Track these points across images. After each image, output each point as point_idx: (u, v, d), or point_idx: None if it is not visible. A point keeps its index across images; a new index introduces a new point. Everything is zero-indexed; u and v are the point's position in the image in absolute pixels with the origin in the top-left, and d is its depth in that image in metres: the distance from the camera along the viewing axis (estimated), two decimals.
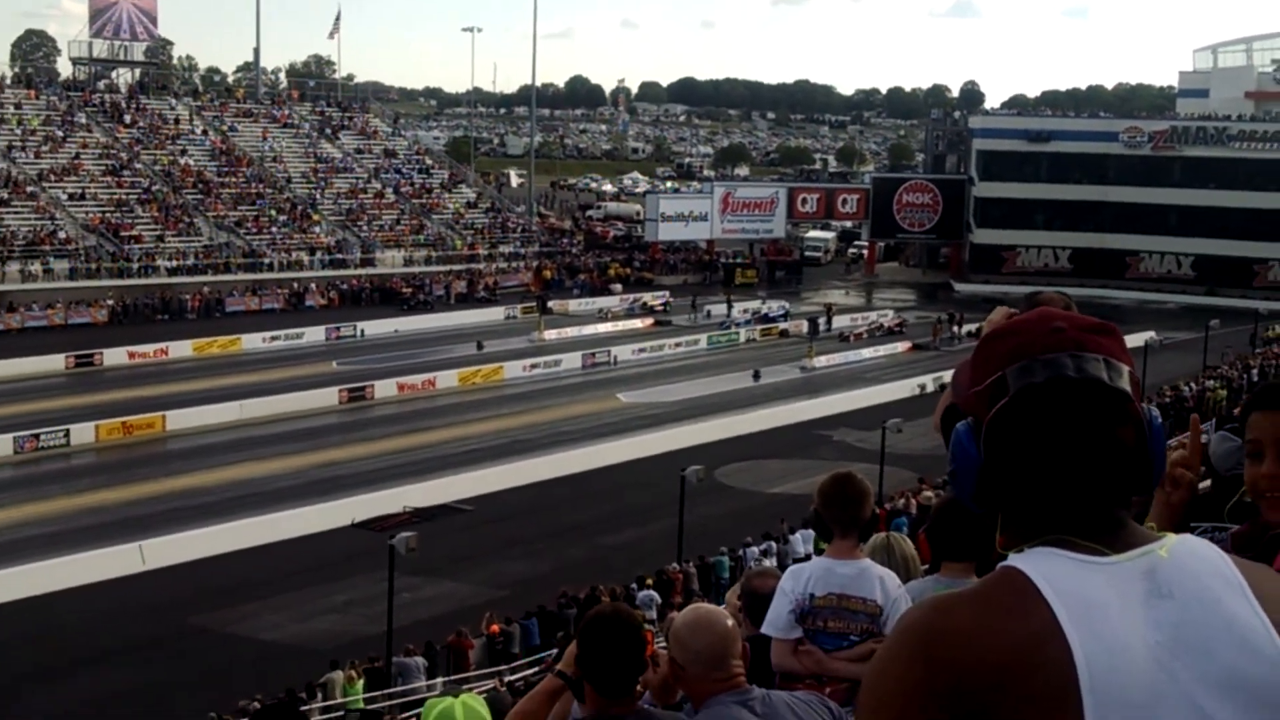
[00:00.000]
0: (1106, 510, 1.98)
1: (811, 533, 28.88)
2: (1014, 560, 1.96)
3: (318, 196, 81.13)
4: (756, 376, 57.48)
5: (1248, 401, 3.21)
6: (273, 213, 77.04)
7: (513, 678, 24.35)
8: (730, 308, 73.84)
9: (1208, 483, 6.37)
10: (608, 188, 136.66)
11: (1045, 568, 1.90)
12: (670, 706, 4.24)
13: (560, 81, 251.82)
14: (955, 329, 69.52)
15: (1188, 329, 67.46)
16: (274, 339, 61.46)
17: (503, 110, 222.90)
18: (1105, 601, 1.86)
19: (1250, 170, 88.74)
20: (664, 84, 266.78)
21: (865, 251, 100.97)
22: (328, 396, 50.21)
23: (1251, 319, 68.74)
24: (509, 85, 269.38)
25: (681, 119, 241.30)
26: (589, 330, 68.30)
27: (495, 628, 27.08)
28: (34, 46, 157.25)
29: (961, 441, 2.05)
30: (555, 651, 24.22)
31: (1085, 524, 1.96)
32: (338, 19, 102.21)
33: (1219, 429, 6.33)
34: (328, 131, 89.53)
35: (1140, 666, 1.81)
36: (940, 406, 2.96)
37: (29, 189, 70.69)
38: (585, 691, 3.96)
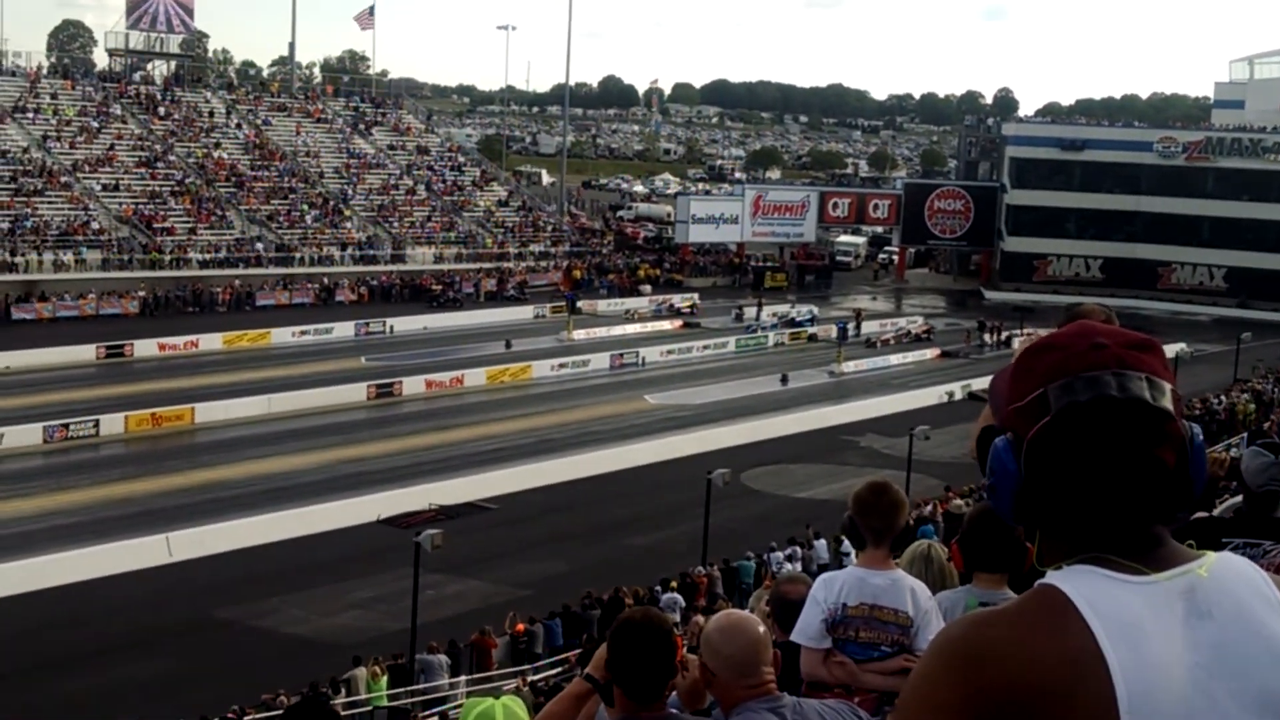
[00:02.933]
0: (1146, 529, 1.97)
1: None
2: (1052, 578, 1.94)
3: (350, 192, 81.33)
4: (784, 380, 57.40)
5: None
6: (305, 207, 77.28)
7: (536, 678, 24.36)
8: (760, 311, 73.72)
9: (1239, 498, 6.32)
10: (639, 188, 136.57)
11: (1084, 587, 1.89)
12: (699, 712, 4.24)
13: (594, 81, 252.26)
14: (985, 337, 69.29)
15: (1219, 341, 67.08)
16: (303, 334, 61.56)
17: (535, 109, 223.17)
18: (1144, 622, 1.85)
19: None
20: (697, 85, 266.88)
21: (896, 257, 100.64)
22: (356, 392, 50.32)
23: None
24: (542, 84, 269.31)
25: (714, 121, 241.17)
26: (617, 331, 68.28)
27: (521, 627, 27.10)
28: (71, 37, 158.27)
29: (1001, 456, 2.03)
30: (579, 652, 24.22)
31: (1124, 543, 1.95)
32: (371, 10, 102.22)
33: (1250, 444, 6.26)
34: (361, 127, 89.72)
35: (1179, 688, 1.80)
36: (976, 428, 2.95)
37: (63, 179, 71.03)
38: (614, 695, 3.97)
